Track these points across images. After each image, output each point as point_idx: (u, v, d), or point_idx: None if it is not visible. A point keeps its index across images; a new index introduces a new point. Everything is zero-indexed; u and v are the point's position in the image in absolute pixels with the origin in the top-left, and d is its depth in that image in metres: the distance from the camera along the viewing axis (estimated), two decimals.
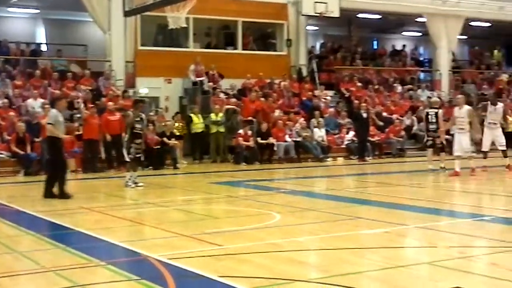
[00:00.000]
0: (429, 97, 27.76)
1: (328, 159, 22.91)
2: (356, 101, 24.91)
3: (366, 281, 6.68)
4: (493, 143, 17.76)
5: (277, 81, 25.91)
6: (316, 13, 26.15)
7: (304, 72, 27.38)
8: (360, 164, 21.95)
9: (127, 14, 19.16)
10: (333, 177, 18.86)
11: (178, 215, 11.49)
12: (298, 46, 27.47)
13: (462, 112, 17.01)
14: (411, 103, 27.64)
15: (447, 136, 18.36)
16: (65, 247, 8.32)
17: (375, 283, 6.62)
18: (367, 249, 8.11)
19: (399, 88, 28.95)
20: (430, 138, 18.00)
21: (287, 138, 22.53)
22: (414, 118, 25.95)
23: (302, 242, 8.64)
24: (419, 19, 30.68)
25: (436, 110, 17.98)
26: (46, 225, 10.52)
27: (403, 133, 24.97)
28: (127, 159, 15.12)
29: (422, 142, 22.92)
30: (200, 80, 24.18)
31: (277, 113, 23.78)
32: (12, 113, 20.15)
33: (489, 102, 18.20)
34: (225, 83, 24.92)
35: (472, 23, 31.46)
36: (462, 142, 16.81)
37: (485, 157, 17.77)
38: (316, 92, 26.36)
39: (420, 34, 34.64)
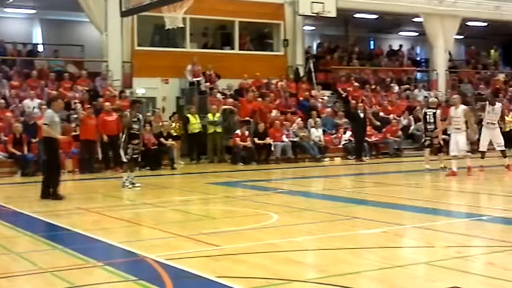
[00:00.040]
0: (426, 97, 27.80)
1: (325, 159, 22.92)
2: (353, 101, 24.91)
3: (363, 281, 6.68)
4: (490, 143, 17.79)
5: (274, 81, 25.91)
6: (313, 13, 26.18)
7: (301, 72, 27.36)
8: (357, 164, 21.96)
9: (123, 14, 19.13)
10: (330, 177, 18.88)
11: (175, 215, 11.48)
12: (295, 46, 27.47)
13: (458, 112, 17.04)
14: (408, 103, 27.67)
15: (444, 136, 18.38)
16: (62, 248, 8.31)
17: (372, 283, 6.63)
18: (365, 249, 8.11)
19: (396, 88, 28.94)
20: (428, 138, 18.01)
21: (284, 138, 22.53)
22: (411, 118, 25.98)
23: (299, 242, 8.64)
24: (415, 19, 30.68)
25: (434, 110, 17.99)
26: (43, 226, 10.51)
27: (400, 133, 25.00)
28: (125, 160, 15.11)
29: (419, 142, 22.98)
30: (197, 80, 24.17)
31: (274, 113, 23.78)
32: (9, 114, 20.11)
33: (487, 102, 18.23)
34: (222, 83, 24.91)
35: (469, 23, 31.48)
36: (458, 142, 16.83)
37: (482, 157, 17.79)
38: (313, 92, 26.37)
39: (416, 34, 34.65)
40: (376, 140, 24.19)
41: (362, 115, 23.09)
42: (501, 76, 32.74)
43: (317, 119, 23.73)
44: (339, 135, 24.15)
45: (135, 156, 15.18)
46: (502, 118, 18.48)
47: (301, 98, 25.64)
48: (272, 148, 22.19)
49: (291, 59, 27.48)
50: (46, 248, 8.50)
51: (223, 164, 21.91)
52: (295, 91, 26.02)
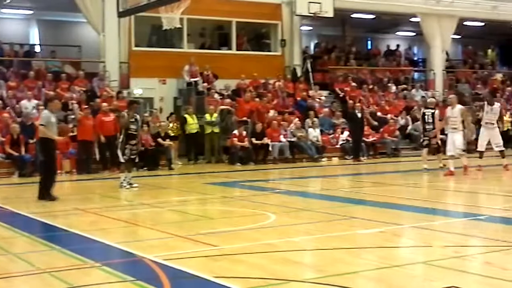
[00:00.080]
0: (423, 97, 27.82)
1: (323, 159, 22.93)
2: (351, 101, 24.92)
3: (361, 281, 6.68)
4: (489, 143, 17.81)
5: (271, 82, 25.91)
6: (310, 13, 26.16)
7: (299, 72, 27.38)
8: (355, 164, 21.97)
9: (121, 14, 19.13)
10: (328, 177, 18.88)
11: (173, 216, 11.48)
12: (292, 46, 27.48)
13: (455, 111, 17.07)
14: (405, 103, 27.68)
15: (442, 136, 18.40)
16: (60, 249, 8.30)
17: (370, 283, 6.63)
18: (362, 249, 8.11)
19: (393, 88, 28.98)
20: (426, 138, 18.00)
21: (282, 138, 22.54)
22: (409, 118, 26.00)
23: (297, 242, 8.63)
24: (413, 19, 30.71)
25: (432, 111, 17.97)
26: (40, 227, 10.50)
27: (397, 133, 25.02)
28: (122, 160, 15.10)
29: (417, 142, 22.98)
30: (195, 81, 24.17)
31: (272, 113, 23.79)
32: (6, 115, 20.11)
33: (485, 102, 18.25)
34: (219, 84, 24.91)
35: (466, 23, 31.51)
36: (455, 141, 16.85)
37: (481, 157, 17.81)
38: (311, 92, 26.38)
39: (414, 34, 34.68)
40: (374, 140, 24.20)
41: (359, 115, 23.10)
42: (499, 76, 32.78)
43: (315, 119, 23.74)
44: (337, 135, 24.15)
45: (132, 156, 15.17)
46: (500, 118, 18.50)
47: (298, 98, 25.65)
48: (270, 148, 22.20)
49: (289, 59, 27.48)
50: (44, 249, 8.49)
51: (220, 164, 21.91)
52: (292, 91, 26.02)
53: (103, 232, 9.48)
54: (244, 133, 21.93)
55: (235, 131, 21.77)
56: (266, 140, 22.16)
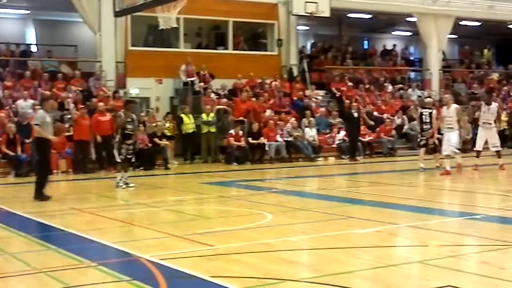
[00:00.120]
0: (419, 97, 27.88)
1: (319, 159, 22.95)
2: (347, 101, 24.93)
3: (357, 281, 6.69)
4: (485, 142, 17.83)
5: (268, 81, 25.90)
6: (306, 13, 26.18)
7: (295, 72, 27.36)
8: (351, 164, 21.98)
9: (117, 14, 19.11)
10: (324, 176, 18.89)
11: (169, 215, 11.48)
12: (288, 46, 27.46)
13: (450, 111, 17.11)
14: (401, 103, 27.70)
15: (439, 136, 18.42)
16: (56, 248, 8.30)
17: (366, 282, 6.64)
18: (359, 248, 8.13)
19: (389, 88, 28.97)
20: (424, 138, 18.00)
21: (278, 138, 22.54)
22: (405, 118, 26.02)
23: (293, 242, 8.64)
24: (409, 19, 30.71)
25: (430, 110, 17.96)
26: (37, 227, 10.49)
27: (394, 132, 25.04)
28: (118, 160, 15.08)
29: (413, 142, 22.99)
30: (191, 81, 24.15)
31: (268, 113, 23.78)
32: (2, 114, 20.06)
33: (483, 102, 18.27)
34: (216, 83, 24.89)
35: (462, 23, 31.53)
36: (450, 140, 16.88)
37: (478, 156, 17.84)
38: (307, 92, 26.38)
39: (410, 33, 34.68)
40: (370, 139, 24.21)
41: (356, 114, 23.12)
42: (495, 76, 32.80)
43: (311, 118, 23.75)
44: (333, 134, 24.16)
45: (129, 156, 15.15)
46: (498, 118, 18.52)
47: (295, 98, 25.64)
48: (266, 148, 22.19)
49: (285, 59, 27.47)
50: (40, 249, 8.49)
51: (217, 164, 21.90)
52: (289, 91, 26.02)
53: (100, 232, 9.47)
54: (241, 132, 21.93)
55: (232, 131, 21.76)
56: (262, 140, 22.15)
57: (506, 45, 35.93)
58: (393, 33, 35.81)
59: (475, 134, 18.25)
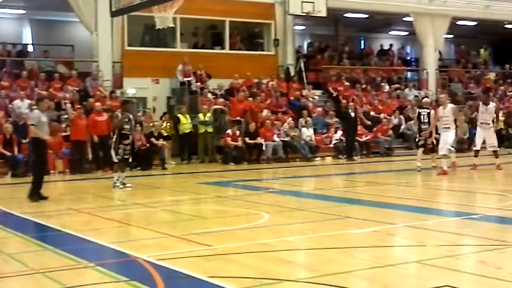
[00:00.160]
0: (416, 96, 27.90)
1: (316, 159, 22.95)
2: (344, 101, 24.92)
3: (355, 281, 6.68)
4: (483, 142, 17.87)
5: (264, 81, 25.91)
6: (303, 12, 26.17)
7: (292, 71, 27.38)
8: (348, 164, 21.99)
9: (114, 14, 19.08)
10: (321, 176, 18.89)
11: (166, 215, 11.46)
12: (285, 46, 27.48)
13: (446, 111, 17.14)
14: (398, 102, 27.76)
15: (436, 136, 18.43)
16: (53, 249, 8.28)
17: (364, 282, 6.63)
18: (356, 248, 8.12)
19: (386, 87, 29.02)
20: (422, 138, 17.99)
21: (275, 137, 22.54)
22: (402, 117, 26.04)
23: (291, 242, 8.63)
24: (406, 19, 30.75)
25: (428, 111, 17.95)
26: (34, 227, 10.48)
27: (390, 132, 25.06)
28: (115, 160, 15.06)
29: (410, 141, 22.99)
30: (188, 80, 24.14)
31: (265, 113, 23.79)
32: None
33: (480, 102, 18.29)
34: (212, 83, 24.89)
35: (459, 22, 31.58)
36: (447, 140, 16.91)
37: (476, 156, 17.87)
38: (304, 92, 26.39)
39: (407, 33, 34.72)
40: (367, 139, 24.22)
41: (353, 114, 23.13)
42: (491, 75, 32.87)
43: (308, 118, 23.76)
44: (330, 134, 24.17)
45: (126, 156, 15.14)
46: (496, 118, 18.55)
47: (292, 98, 25.66)
48: (263, 148, 22.20)
49: (282, 59, 27.48)
50: (37, 249, 8.47)
51: (214, 164, 21.89)
52: (286, 91, 26.03)
53: (97, 232, 9.46)
54: (238, 132, 21.92)
55: (229, 131, 21.75)
56: (259, 140, 22.16)
57: (503, 45, 36.01)
58: (389, 33, 35.85)
59: (472, 134, 18.26)
